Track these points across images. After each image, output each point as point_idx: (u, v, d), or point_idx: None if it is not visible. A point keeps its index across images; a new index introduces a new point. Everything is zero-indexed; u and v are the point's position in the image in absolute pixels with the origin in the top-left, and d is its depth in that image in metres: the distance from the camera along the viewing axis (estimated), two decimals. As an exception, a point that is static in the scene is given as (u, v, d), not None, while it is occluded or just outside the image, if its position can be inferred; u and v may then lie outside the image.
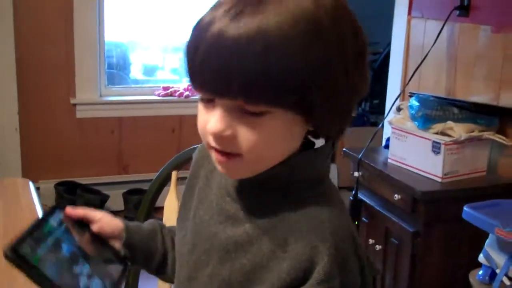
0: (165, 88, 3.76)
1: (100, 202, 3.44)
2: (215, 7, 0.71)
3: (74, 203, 3.40)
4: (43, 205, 3.32)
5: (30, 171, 3.46)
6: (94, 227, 0.94)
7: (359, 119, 4.44)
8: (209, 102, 0.74)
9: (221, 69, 0.67)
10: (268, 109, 0.70)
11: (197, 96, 0.76)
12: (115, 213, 3.81)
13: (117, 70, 3.96)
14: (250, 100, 0.69)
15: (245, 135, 0.71)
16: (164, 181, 1.45)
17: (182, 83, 3.92)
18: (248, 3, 0.68)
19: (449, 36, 2.65)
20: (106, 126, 3.61)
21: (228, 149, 0.73)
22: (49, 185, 3.49)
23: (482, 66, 2.49)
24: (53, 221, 0.88)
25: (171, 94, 3.72)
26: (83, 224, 0.94)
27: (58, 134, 3.53)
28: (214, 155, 0.76)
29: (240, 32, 0.66)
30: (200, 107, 0.76)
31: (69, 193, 3.45)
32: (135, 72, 4.09)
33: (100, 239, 0.94)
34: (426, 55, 2.62)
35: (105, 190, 3.52)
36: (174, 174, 1.43)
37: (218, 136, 0.72)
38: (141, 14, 3.87)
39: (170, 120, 3.70)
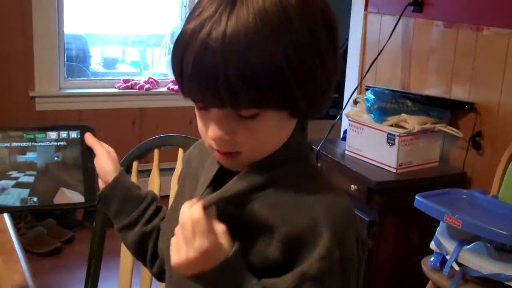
0: (125, 81, 3.75)
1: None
2: (189, 20, 0.74)
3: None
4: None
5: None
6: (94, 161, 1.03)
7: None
8: (203, 109, 0.79)
9: (207, 82, 0.72)
10: (258, 111, 0.74)
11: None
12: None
13: (77, 63, 3.94)
14: (239, 107, 0.74)
15: (243, 137, 0.77)
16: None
17: (143, 75, 3.91)
18: (222, 11, 0.71)
19: (404, 31, 2.73)
20: (66, 118, 3.57)
21: (229, 150, 0.79)
22: (8, 179, 3.46)
23: (435, 60, 2.58)
24: (64, 135, 1.03)
25: (131, 87, 3.71)
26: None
27: (17, 127, 3.49)
28: (216, 154, 0.82)
29: (219, 43, 0.69)
30: (197, 113, 0.81)
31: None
32: (95, 64, 4.07)
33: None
34: (382, 49, 2.69)
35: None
36: (135, 164, 1.46)
37: (218, 141, 0.78)
38: (100, 7, 3.85)
39: (131, 112, 3.69)
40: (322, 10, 0.76)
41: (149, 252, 1.04)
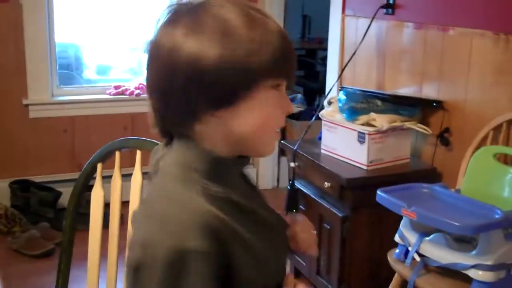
0: (116, 87, 3.85)
1: (53, 199, 3.53)
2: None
3: (28, 201, 3.50)
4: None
5: (-16, 171, 3.56)
6: None
7: (309, 114, 4.59)
8: (278, 89, 0.97)
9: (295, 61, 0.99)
10: None
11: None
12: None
13: (72, 71, 4.04)
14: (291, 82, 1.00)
15: None
16: (90, 174, 1.57)
17: (133, 81, 4.01)
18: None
19: (377, 33, 2.81)
20: (58, 125, 3.69)
21: None
22: (3, 184, 3.57)
23: (407, 60, 2.66)
24: None
25: (122, 93, 3.81)
26: None
27: (11, 134, 3.60)
28: (276, 137, 1.02)
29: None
30: (270, 100, 0.96)
31: (23, 191, 3.53)
32: (90, 72, 4.16)
33: None
34: (355, 51, 2.77)
35: (58, 188, 3.60)
36: (99, 166, 1.54)
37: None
38: (93, 15, 3.96)
39: (122, 118, 3.79)
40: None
41: None
